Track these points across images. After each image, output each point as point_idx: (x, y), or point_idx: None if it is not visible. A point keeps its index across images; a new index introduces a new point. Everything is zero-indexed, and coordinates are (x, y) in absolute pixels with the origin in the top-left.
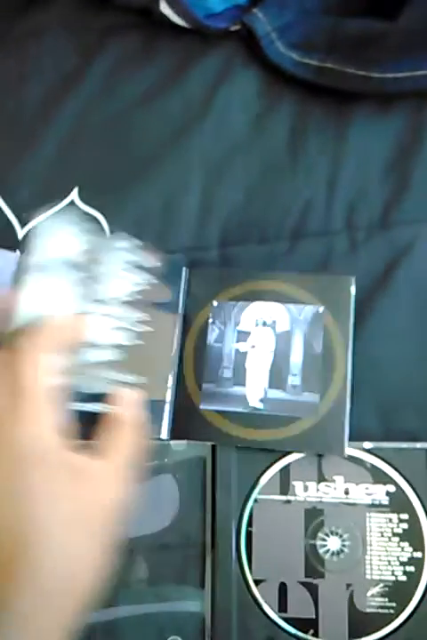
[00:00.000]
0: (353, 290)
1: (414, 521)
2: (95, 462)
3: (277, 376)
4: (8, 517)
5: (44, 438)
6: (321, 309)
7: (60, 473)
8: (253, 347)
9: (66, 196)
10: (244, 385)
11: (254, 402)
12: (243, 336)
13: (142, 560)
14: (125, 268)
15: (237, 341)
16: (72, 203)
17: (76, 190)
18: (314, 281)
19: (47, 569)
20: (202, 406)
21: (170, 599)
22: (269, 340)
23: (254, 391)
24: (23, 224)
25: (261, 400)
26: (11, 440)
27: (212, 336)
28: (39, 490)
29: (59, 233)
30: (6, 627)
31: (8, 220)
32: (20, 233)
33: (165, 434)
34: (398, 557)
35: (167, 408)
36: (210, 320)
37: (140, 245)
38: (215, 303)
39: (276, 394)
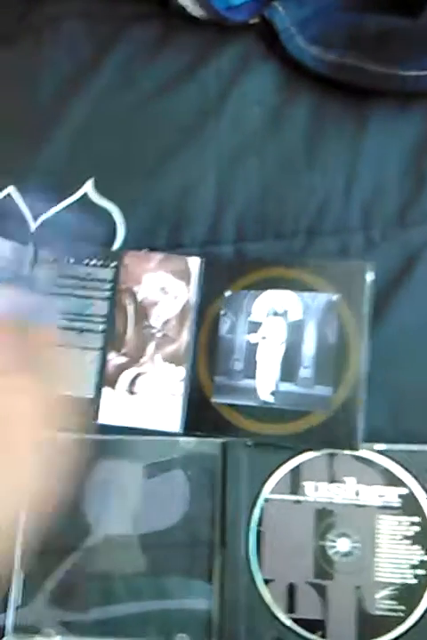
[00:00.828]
0: (369, 277)
1: (425, 524)
2: None
3: (289, 368)
4: None
5: None
6: (335, 297)
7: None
8: (264, 338)
9: (80, 189)
10: (254, 377)
11: (265, 395)
12: (254, 327)
13: (150, 556)
14: None
15: (249, 332)
16: (86, 195)
17: (90, 182)
18: (328, 268)
19: None
20: (214, 399)
21: (178, 597)
22: (280, 331)
23: (265, 384)
24: (36, 217)
25: (273, 393)
26: None
27: (224, 327)
28: None
29: None
30: None
31: (21, 212)
32: (33, 226)
33: (178, 427)
34: (407, 560)
35: (180, 401)
36: (222, 311)
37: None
38: (227, 294)
39: (287, 387)
